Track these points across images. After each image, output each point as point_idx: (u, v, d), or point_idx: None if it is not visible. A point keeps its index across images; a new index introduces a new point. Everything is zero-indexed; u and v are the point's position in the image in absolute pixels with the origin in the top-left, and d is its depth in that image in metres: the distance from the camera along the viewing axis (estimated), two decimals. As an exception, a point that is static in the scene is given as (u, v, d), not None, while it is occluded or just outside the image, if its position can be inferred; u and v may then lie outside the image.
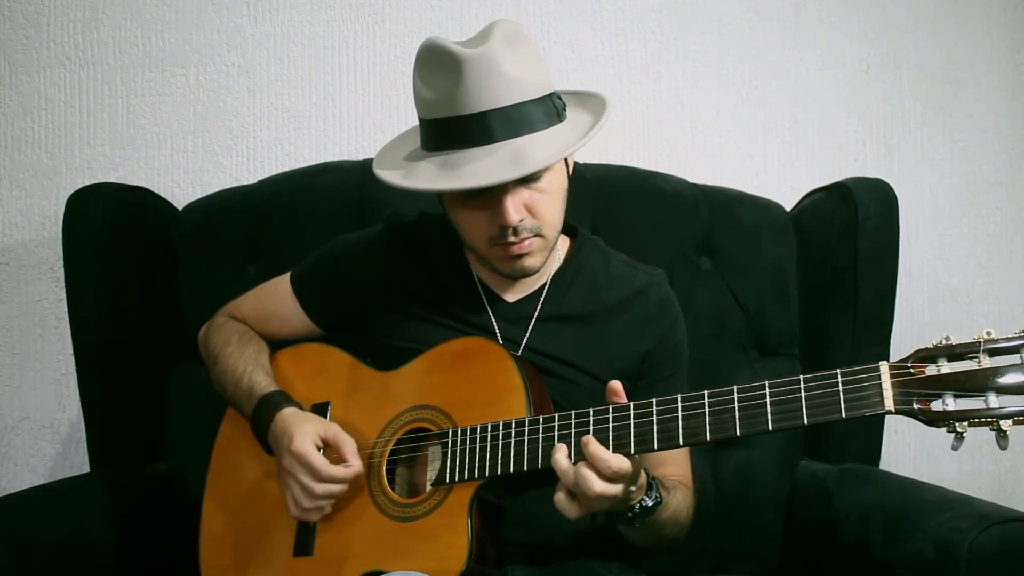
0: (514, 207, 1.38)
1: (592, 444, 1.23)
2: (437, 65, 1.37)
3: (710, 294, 1.86)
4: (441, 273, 1.57)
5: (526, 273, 1.47)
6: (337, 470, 1.39)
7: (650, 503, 1.31)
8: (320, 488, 1.40)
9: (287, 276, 1.66)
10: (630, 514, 1.31)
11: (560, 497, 1.26)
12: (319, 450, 1.41)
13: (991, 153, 2.22)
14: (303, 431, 1.42)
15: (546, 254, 1.48)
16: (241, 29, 2.16)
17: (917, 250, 2.15)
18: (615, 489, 1.23)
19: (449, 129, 1.38)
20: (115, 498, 1.72)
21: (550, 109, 1.41)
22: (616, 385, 1.29)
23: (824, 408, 1.14)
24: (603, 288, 1.57)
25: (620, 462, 1.22)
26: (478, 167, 1.35)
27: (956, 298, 2.21)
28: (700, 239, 1.89)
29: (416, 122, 1.49)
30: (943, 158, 2.21)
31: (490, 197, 1.39)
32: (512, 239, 1.41)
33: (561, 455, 1.26)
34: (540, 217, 1.42)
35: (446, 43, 1.36)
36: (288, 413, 1.46)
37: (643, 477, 1.31)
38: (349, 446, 1.42)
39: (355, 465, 1.40)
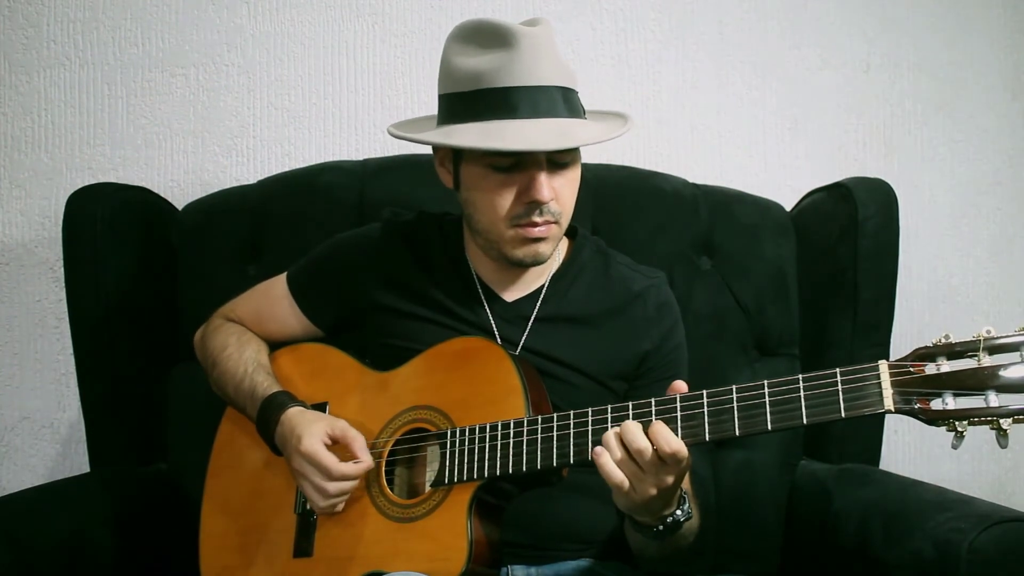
0: (548, 184, 1.40)
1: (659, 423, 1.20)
2: (488, 38, 1.39)
3: (710, 294, 1.86)
4: (440, 272, 1.57)
5: (537, 260, 1.47)
6: (348, 467, 1.39)
7: (682, 519, 1.29)
8: (333, 487, 1.40)
9: (283, 276, 1.66)
10: (660, 527, 1.28)
11: (606, 460, 1.21)
12: (329, 448, 1.41)
13: (991, 153, 2.22)
14: (311, 431, 1.42)
15: (556, 244, 1.48)
16: (241, 29, 2.16)
17: (917, 250, 2.15)
18: (669, 471, 1.20)
19: (492, 98, 1.38)
20: (115, 498, 1.72)
21: (578, 103, 1.44)
22: (678, 384, 1.25)
23: (823, 408, 1.14)
24: (602, 290, 1.56)
25: (680, 445, 1.19)
26: (526, 134, 1.36)
27: (956, 298, 2.21)
28: (700, 239, 1.89)
29: (416, 114, 1.50)
30: (943, 158, 2.21)
31: (524, 171, 1.40)
32: (536, 219, 1.42)
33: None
34: (562, 204, 1.44)
35: (495, 19, 1.39)
36: (294, 413, 1.46)
37: (680, 490, 1.29)
38: (358, 441, 1.42)
39: (366, 460, 1.41)
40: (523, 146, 1.36)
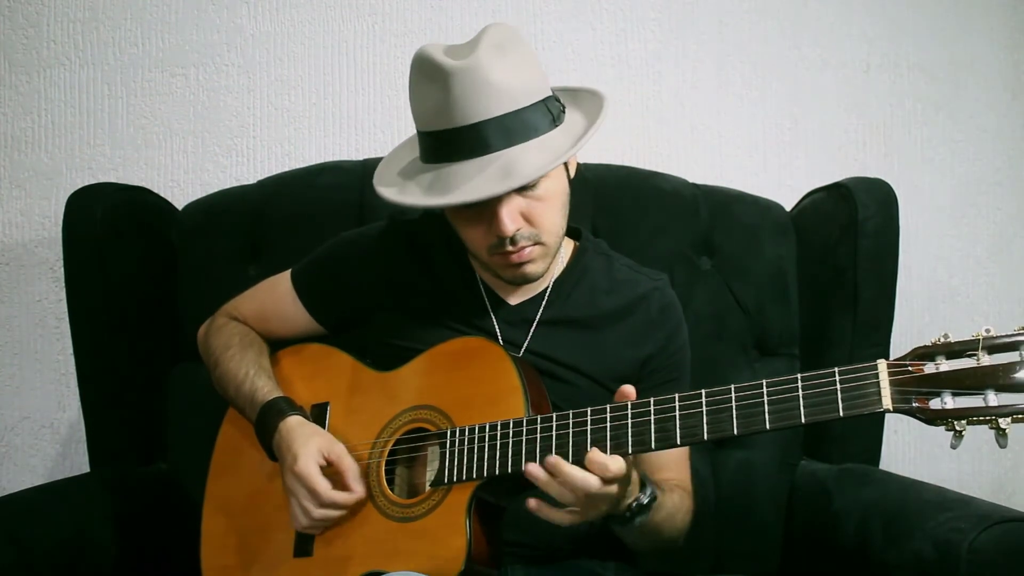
0: (510, 217, 1.37)
1: (593, 452, 1.24)
2: (427, 77, 1.36)
3: (710, 294, 1.86)
4: (444, 273, 1.57)
5: (528, 280, 1.47)
6: (339, 496, 1.39)
7: (645, 500, 1.31)
8: (318, 512, 1.40)
9: (287, 274, 1.66)
10: (628, 513, 1.31)
11: (547, 512, 1.26)
12: (322, 469, 1.41)
13: (991, 153, 2.22)
14: (307, 451, 1.41)
15: (548, 260, 1.47)
16: (241, 29, 2.16)
17: (917, 250, 2.15)
18: (610, 490, 1.23)
19: (441, 141, 1.37)
20: (115, 498, 1.72)
21: (544, 115, 1.39)
22: (627, 389, 1.28)
23: (822, 407, 1.14)
24: (606, 293, 1.56)
25: (618, 465, 1.23)
26: (468, 182, 1.34)
27: (956, 298, 2.21)
28: (700, 239, 1.89)
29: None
30: (943, 158, 2.21)
31: (485, 208, 1.38)
32: (510, 248, 1.40)
33: (537, 471, 1.25)
34: (538, 225, 1.41)
35: (434, 54, 1.35)
36: (293, 424, 1.46)
37: (635, 475, 1.31)
38: (351, 472, 1.41)
39: (357, 492, 1.40)
40: (462, 197, 1.34)
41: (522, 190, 1.38)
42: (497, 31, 1.39)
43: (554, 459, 1.24)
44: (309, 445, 1.42)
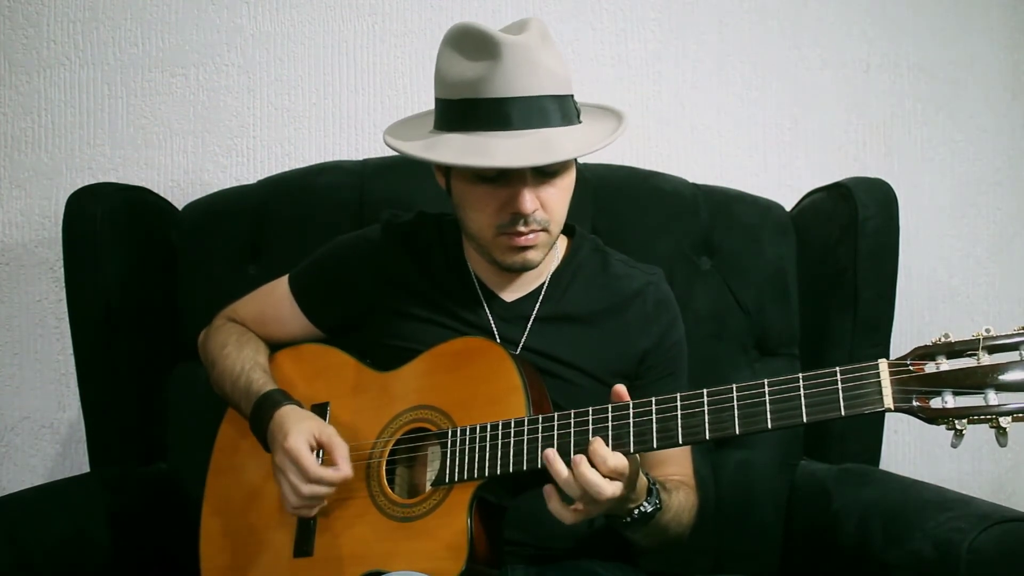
0: (531, 196, 1.39)
1: (595, 442, 1.24)
2: (474, 47, 1.37)
3: (710, 294, 1.86)
4: (439, 273, 1.57)
5: (526, 266, 1.47)
6: (325, 472, 1.39)
7: (649, 509, 1.32)
8: (307, 488, 1.39)
9: (285, 278, 1.66)
10: (628, 519, 1.31)
11: (555, 506, 1.27)
12: (313, 450, 1.41)
13: (991, 153, 2.22)
14: (298, 429, 1.42)
15: (547, 250, 1.48)
16: (241, 29, 2.16)
17: (917, 250, 2.15)
18: (613, 488, 1.23)
19: (478, 110, 1.37)
20: (115, 498, 1.73)
21: (571, 108, 1.42)
22: (620, 389, 1.29)
23: (823, 406, 1.14)
24: (601, 288, 1.56)
25: (617, 460, 1.23)
26: (508, 148, 1.35)
27: (956, 298, 2.21)
28: (700, 239, 1.89)
29: (417, 108, 1.50)
30: (943, 158, 2.21)
31: (508, 183, 1.39)
32: (521, 229, 1.41)
33: (558, 462, 1.26)
34: (550, 212, 1.43)
35: (486, 27, 1.37)
36: (287, 410, 1.46)
37: (643, 481, 1.31)
38: (340, 450, 1.41)
39: (344, 470, 1.40)
40: (502, 163, 1.35)
41: (545, 175, 1.40)
42: (539, 22, 1.42)
43: (578, 457, 1.24)
44: (301, 424, 1.43)
